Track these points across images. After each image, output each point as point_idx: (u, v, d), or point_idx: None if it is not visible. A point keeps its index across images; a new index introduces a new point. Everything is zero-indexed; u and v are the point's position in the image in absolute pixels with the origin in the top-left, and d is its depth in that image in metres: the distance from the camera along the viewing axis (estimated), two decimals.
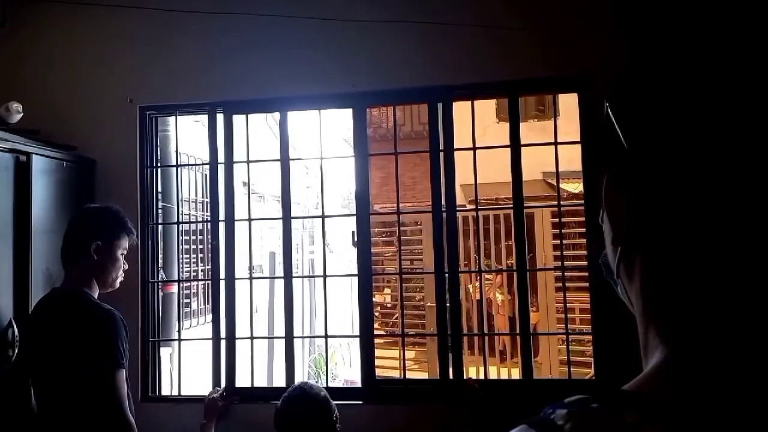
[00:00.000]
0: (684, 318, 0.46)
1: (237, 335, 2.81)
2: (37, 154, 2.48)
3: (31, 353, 1.92)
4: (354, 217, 2.81)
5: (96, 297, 1.94)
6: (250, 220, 2.91)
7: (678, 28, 0.48)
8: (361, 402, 2.66)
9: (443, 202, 2.73)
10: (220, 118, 2.88)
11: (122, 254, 2.01)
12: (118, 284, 2.02)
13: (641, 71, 0.49)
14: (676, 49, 0.47)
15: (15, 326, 2.20)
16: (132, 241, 2.06)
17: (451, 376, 2.65)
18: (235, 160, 2.88)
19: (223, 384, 2.76)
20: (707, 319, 0.44)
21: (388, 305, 8.00)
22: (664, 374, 0.45)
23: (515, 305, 5.54)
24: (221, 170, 2.89)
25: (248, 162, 2.90)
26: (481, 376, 4.06)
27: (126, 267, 2.03)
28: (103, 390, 1.72)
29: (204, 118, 2.99)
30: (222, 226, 2.88)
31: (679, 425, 0.41)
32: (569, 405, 0.44)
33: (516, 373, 5.26)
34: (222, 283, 2.85)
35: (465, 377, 2.70)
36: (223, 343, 2.80)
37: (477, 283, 5.25)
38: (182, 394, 2.85)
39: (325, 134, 2.92)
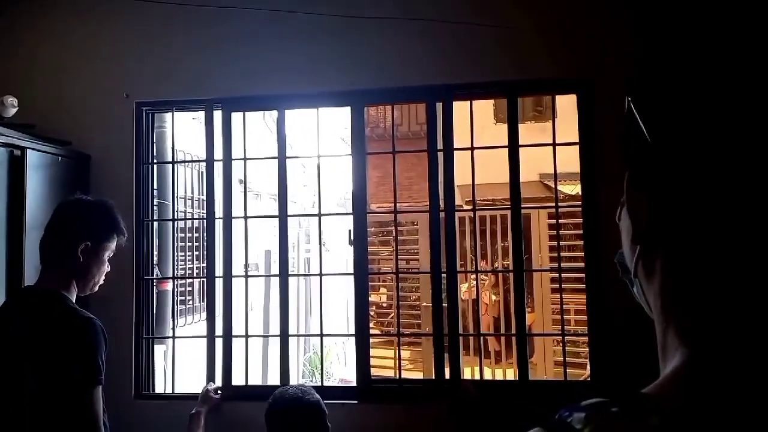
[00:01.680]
0: (707, 319, 0.44)
1: (233, 333, 2.80)
2: (31, 148, 2.47)
3: (1, 359, 1.70)
4: (351, 216, 2.80)
5: (74, 300, 1.75)
6: (246, 217, 2.89)
7: (693, 21, 0.47)
8: (356, 401, 2.65)
9: (441, 203, 2.72)
10: (217, 114, 2.87)
11: (109, 256, 1.83)
12: (97, 288, 1.84)
13: (660, 65, 0.48)
14: (695, 41, 0.46)
15: None
16: (122, 242, 1.86)
17: (447, 377, 2.65)
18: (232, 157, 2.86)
19: (218, 381, 2.74)
20: (731, 320, 0.43)
21: (384, 305, 7.99)
22: (685, 377, 0.44)
23: (504, 306, 5.58)
24: (218, 167, 2.88)
25: (245, 159, 2.89)
26: (475, 377, 4.06)
27: (109, 269, 1.85)
28: (79, 408, 1.59)
29: (200, 115, 2.97)
30: (218, 223, 2.86)
31: (702, 430, 0.40)
32: (587, 408, 0.43)
33: (508, 374, 5.29)
34: (218, 281, 2.83)
35: (461, 379, 2.69)
36: (219, 340, 2.79)
37: (467, 284, 5.25)
38: (176, 391, 2.83)
39: (322, 132, 2.91)
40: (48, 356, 1.62)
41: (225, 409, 2.65)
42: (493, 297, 6.08)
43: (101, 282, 1.85)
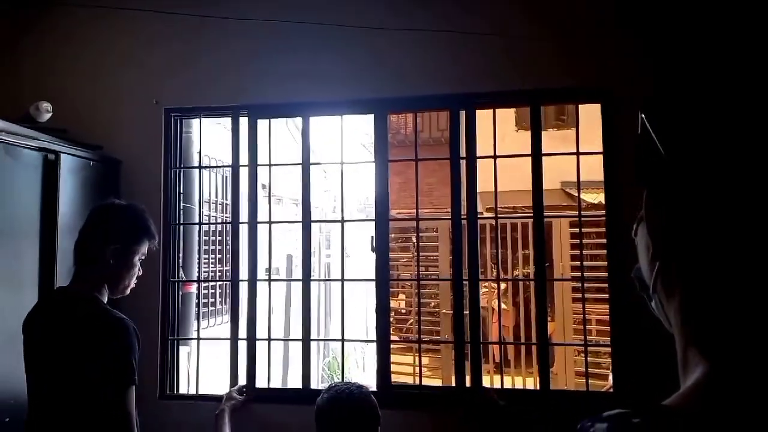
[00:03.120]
0: (727, 334, 0.45)
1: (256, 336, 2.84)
2: (65, 152, 2.54)
3: (33, 359, 1.74)
4: (372, 222, 2.82)
5: (105, 301, 1.78)
6: (270, 222, 2.93)
7: (709, 38, 0.48)
8: None
9: (463, 210, 2.73)
10: (243, 121, 2.92)
11: (139, 260, 1.85)
12: (129, 291, 1.87)
13: (674, 83, 0.49)
14: (710, 58, 0.47)
15: None
16: (153, 245, 1.89)
17: (468, 384, 2.65)
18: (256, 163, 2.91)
19: (241, 383, 2.78)
20: (751, 335, 0.44)
21: (403, 311, 7.99)
22: (706, 390, 0.44)
23: (524, 314, 5.54)
24: (242, 173, 2.92)
25: (270, 165, 2.93)
26: (492, 385, 4.04)
27: (141, 273, 1.88)
28: (113, 408, 1.62)
29: (225, 121, 3.03)
30: (243, 228, 2.91)
31: None
32: (608, 419, 0.43)
33: (517, 383, 5.26)
34: (242, 284, 2.88)
35: (482, 386, 2.69)
36: (242, 343, 2.83)
37: (483, 291, 5.23)
38: (199, 392, 2.88)
39: (344, 138, 2.94)
40: (82, 356, 1.66)
41: (248, 411, 2.68)
42: (503, 306, 6.04)
43: (132, 285, 1.88)
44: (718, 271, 0.45)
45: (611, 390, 2.78)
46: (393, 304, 7.37)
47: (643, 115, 0.49)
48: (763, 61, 0.44)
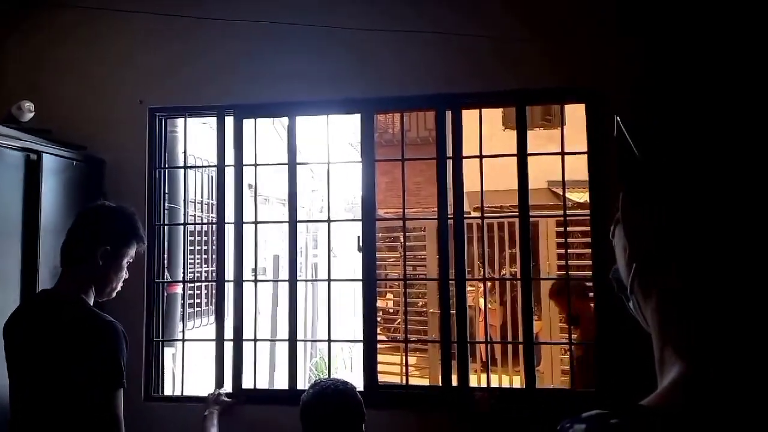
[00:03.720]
0: (703, 334, 0.45)
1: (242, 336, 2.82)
2: (47, 153, 2.50)
3: (16, 362, 1.72)
4: (359, 222, 2.82)
5: (91, 303, 1.76)
6: (256, 222, 2.92)
7: (692, 44, 0.49)
8: None
9: (450, 209, 2.74)
10: (228, 120, 2.90)
11: (127, 262, 1.85)
12: (114, 294, 1.85)
13: (655, 88, 0.50)
14: (690, 62, 0.48)
15: None
16: (141, 248, 1.90)
17: (455, 384, 2.66)
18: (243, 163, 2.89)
19: (227, 385, 2.77)
20: (727, 335, 0.44)
21: (390, 310, 8.01)
22: (683, 389, 0.45)
23: (511, 313, 5.57)
24: (228, 172, 2.91)
25: (256, 165, 2.92)
26: (479, 383, 4.07)
27: (127, 276, 1.87)
28: (101, 411, 1.60)
29: (211, 121, 3.01)
30: (229, 228, 2.89)
31: None
32: (587, 420, 0.44)
33: (506, 382, 5.29)
34: (227, 285, 2.86)
35: (470, 387, 2.70)
36: (228, 344, 2.81)
37: (470, 291, 5.25)
38: (184, 394, 2.86)
39: (330, 138, 2.94)
40: (69, 359, 1.64)
41: (234, 412, 2.67)
42: (490, 305, 6.07)
43: (119, 288, 1.86)
44: (695, 272, 0.46)
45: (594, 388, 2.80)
46: (380, 303, 7.39)
47: (618, 118, 0.50)
48: (759, 62, 0.45)
